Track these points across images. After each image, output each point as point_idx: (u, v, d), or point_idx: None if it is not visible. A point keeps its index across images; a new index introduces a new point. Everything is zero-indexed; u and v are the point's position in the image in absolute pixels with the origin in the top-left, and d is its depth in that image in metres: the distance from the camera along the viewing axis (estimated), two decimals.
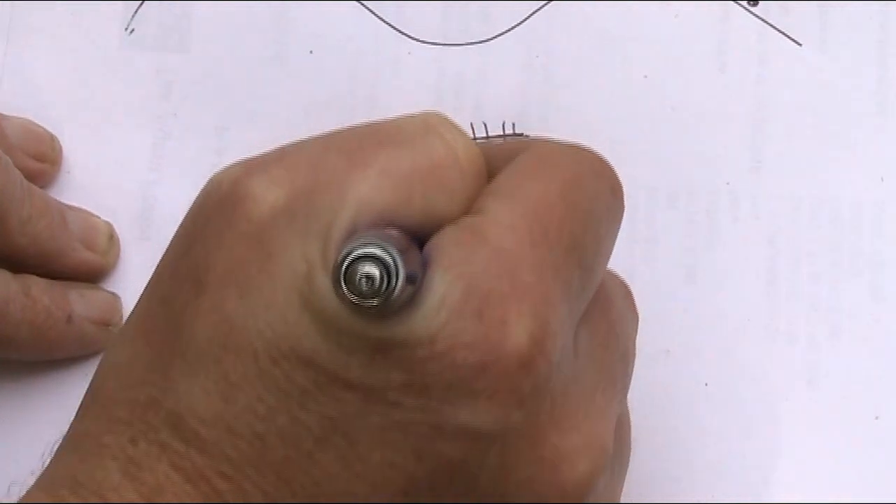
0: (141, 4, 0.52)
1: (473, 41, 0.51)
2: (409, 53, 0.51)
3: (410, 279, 0.33)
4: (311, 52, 0.51)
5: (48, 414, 0.49)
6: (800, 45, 0.51)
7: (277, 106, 0.51)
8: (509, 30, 0.51)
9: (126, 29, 0.52)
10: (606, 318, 0.39)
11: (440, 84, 0.51)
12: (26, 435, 0.49)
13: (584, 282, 0.37)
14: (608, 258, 0.39)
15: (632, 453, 0.41)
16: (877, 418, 0.48)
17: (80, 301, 0.48)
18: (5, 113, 0.50)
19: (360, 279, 0.32)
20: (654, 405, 0.48)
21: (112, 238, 0.50)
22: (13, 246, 0.47)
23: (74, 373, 0.49)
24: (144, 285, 0.50)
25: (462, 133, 0.38)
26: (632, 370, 0.40)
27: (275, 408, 0.34)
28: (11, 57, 0.52)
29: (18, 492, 0.37)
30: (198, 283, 0.36)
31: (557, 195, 0.37)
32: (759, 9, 0.51)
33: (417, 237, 0.36)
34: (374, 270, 0.32)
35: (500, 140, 0.40)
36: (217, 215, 0.36)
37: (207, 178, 0.50)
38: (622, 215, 0.39)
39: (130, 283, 0.50)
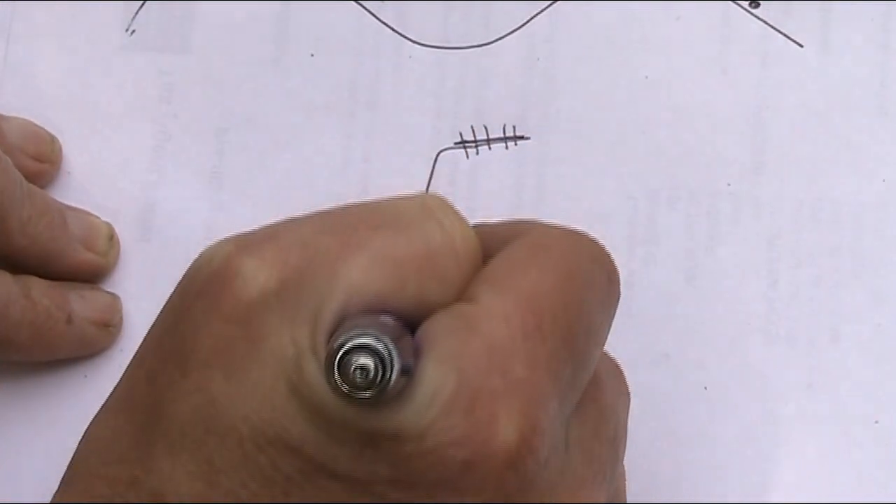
0: (142, 5, 0.52)
1: (475, 44, 0.51)
2: (409, 56, 0.51)
3: (405, 370, 0.32)
4: (311, 54, 0.51)
5: (48, 415, 0.49)
6: (801, 46, 0.51)
7: (278, 108, 0.51)
8: (510, 32, 0.51)
9: (127, 30, 0.52)
10: (597, 404, 0.38)
11: (441, 87, 0.51)
12: (26, 436, 0.49)
13: (576, 373, 0.36)
14: (602, 347, 0.38)
15: (631, 455, 0.41)
16: (876, 422, 0.47)
17: (79, 302, 0.48)
18: (6, 113, 0.50)
19: (354, 370, 0.32)
20: (653, 408, 0.48)
21: (112, 239, 0.50)
22: (13, 247, 0.47)
23: (74, 374, 0.49)
24: (141, 286, 0.50)
25: (460, 219, 0.37)
26: (623, 452, 0.40)
27: (258, 494, 0.34)
28: (12, 57, 0.52)
29: None
30: (183, 362, 0.35)
31: (552, 285, 0.36)
32: (760, 10, 0.51)
33: (408, 322, 0.35)
34: (368, 362, 0.32)
35: (498, 221, 0.40)
36: (205, 294, 0.35)
37: (207, 181, 0.50)
38: (618, 302, 0.39)
39: (130, 283, 0.50)
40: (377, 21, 0.52)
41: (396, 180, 0.50)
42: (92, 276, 0.49)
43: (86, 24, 0.52)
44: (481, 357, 0.34)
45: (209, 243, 0.36)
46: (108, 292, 0.50)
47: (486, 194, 0.50)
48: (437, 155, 0.51)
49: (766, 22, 0.51)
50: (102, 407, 0.37)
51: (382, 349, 0.32)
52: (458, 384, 0.34)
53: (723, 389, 0.48)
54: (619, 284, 0.39)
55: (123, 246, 0.50)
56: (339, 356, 0.32)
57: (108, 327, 0.49)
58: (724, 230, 0.49)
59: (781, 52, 0.51)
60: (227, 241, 0.36)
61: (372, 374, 0.32)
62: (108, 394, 0.48)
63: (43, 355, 0.48)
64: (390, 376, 0.32)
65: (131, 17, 0.52)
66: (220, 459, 0.34)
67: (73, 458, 0.37)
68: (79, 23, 0.52)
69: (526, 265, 0.37)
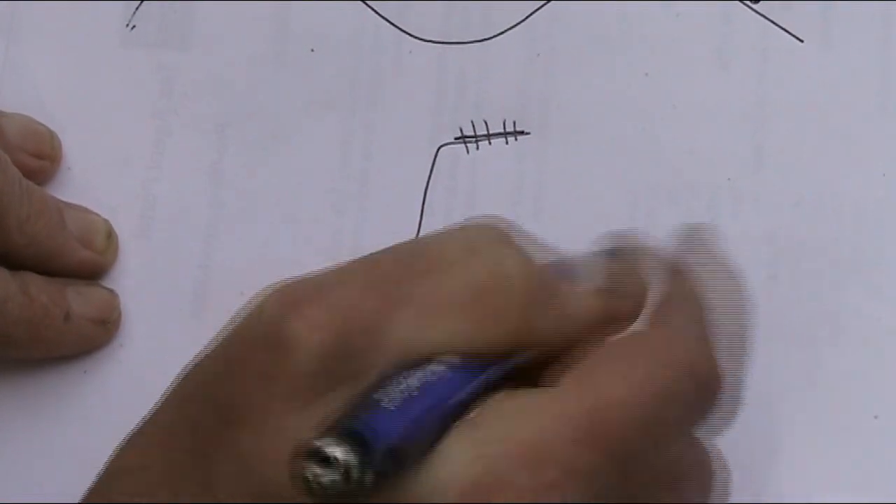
0: (141, 3, 0.52)
1: (475, 39, 0.51)
2: (410, 52, 0.51)
3: (385, 468, 0.32)
4: (312, 49, 0.52)
5: (48, 411, 0.49)
6: (802, 41, 0.51)
7: (278, 103, 0.51)
8: (510, 28, 0.51)
9: (127, 25, 0.52)
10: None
11: (441, 82, 0.51)
12: (26, 432, 0.49)
13: (627, 481, 0.35)
14: (674, 452, 0.37)
15: None
16: (876, 417, 0.47)
17: (77, 299, 0.48)
18: (6, 110, 0.50)
19: (312, 483, 0.32)
20: None
21: (110, 236, 0.50)
22: (11, 245, 0.47)
23: (72, 371, 0.49)
24: (141, 282, 0.50)
25: (510, 247, 0.37)
26: None
27: None
28: (13, 55, 0.52)
29: None
30: (224, 417, 0.35)
31: (624, 397, 0.35)
32: (760, 6, 0.51)
33: (480, 357, 0.35)
34: (332, 480, 0.32)
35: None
36: (254, 353, 0.36)
37: (208, 177, 0.50)
38: (705, 412, 0.38)
39: (129, 280, 0.50)
40: (377, 16, 0.52)
41: (397, 175, 0.50)
42: (90, 273, 0.49)
43: (86, 21, 0.52)
44: (520, 450, 0.34)
45: (261, 290, 0.37)
46: (106, 288, 0.49)
47: (486, 189, 0.50)
48: (438, 150, 0.51)
49: (766, 17, 0.51)
50: (134, 434, 0.38)
51: (350, 468, 0.31)
52: (480, 476, 0.33)
53: None
54: (712, 396, 0.38)
55: (123, 242, 0.50)
56: (301, 463, 0.32)
57: (106, 324, 0.49)
58: (724, 225, 0.49)
59: (782, 48, 0.50)
60: (280, 294, 0.36)
61: (330, 486, 0.31)
62: (107, 389, 0.49)
63: (41, 352, 0.48)
64: (360, 486, 0.31)
65: (131, 14, 0.52)
66: None
67: (98, 477, 0.38)
68: (79, 20, 0.52)
69: (610, 366, 0.36)
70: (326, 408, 0.34)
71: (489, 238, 0.37)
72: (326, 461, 0.32)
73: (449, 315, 0.36)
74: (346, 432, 0.32)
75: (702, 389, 0.37)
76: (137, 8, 0.52)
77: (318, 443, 0.32)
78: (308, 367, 0.35)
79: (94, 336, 0.49)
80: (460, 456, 0.34)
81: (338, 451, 0.31)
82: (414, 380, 0.34)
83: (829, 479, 0.47)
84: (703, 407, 0.38)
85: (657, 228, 0.49)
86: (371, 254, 0.38)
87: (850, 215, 0.49)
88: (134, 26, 0.52)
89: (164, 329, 0.49)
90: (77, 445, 0.49)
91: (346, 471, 0.31)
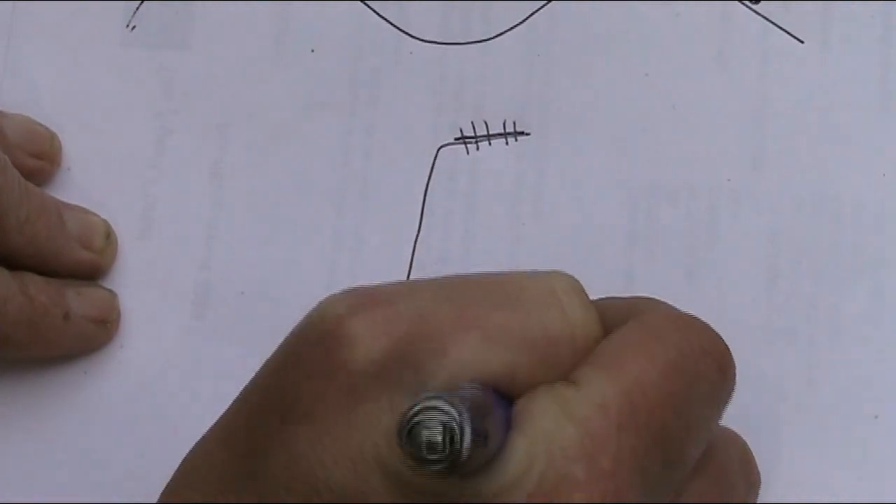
0: (142, 3, 0.52)
1: (475, 40, 0.51)
2: (410, 52, 0.51)
3: (477, 437, 0.32)
4: (312, 50, 0.52)
5: (48, 411, 0.49)
6: (802, 42, 0.51)
7: (278, 104, 0.51)
8: (510, 29, 0.51)
9: (127, 26, 0.52)
10: (702, 496, 0.38)
11: (441, 83, 0.51)
12: (26, 433, 0.49)
13: (669, 470, 0.36)
14: (703, 443, 0.38)
15: None
16: (876, 418, 0.47)
17: (77, 299, 0.48)
18: (6, 110, 0.50)
19: (422, 443, 0.31)
20: None
21: (109, 236, 0.50)
22: (10, 246, 0.47)
23: (72, 371, 0.49)
24: (142, 282, 0.50)
25: (585, 306, 0.37)
26: None
27: None
28: (13, 54, 0.52)
29: None
30: (282, 414, 0.36)
31: (655, 377, 0.36)
32: (760, 7, 0.51)
33: (510, 396, 0.36)
34: (436, 436, 0.31)
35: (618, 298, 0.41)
36: (314, 350, 0.36)
37: (208, 177, 0.51)
38: (730, 394, 0.39)
39: (130, 280, 0.50)
40: (377, 17, 0.52)
41: (397, 176, 0.50)
42: (89, 273, 0.49)
43: (86, 22, 0.52)
44: (572, 443, 0.34)
45: (326, 295, 0.37)
46: (105, 288, 0.50)
47: (486, 190, 0.50)
48: (438, 150, 0.51)
49: (766, 18, 0.51)
50: (204, 436, 0.38)
51: (452, 422, 0.31)
52: (544, 470, 0.34)
53: None
54: (732, 378, 0.39)
55: (123, 243, 0.50)
56: (409, 429, 0.31)
57: (106, 324, 0.49)
58: (724, 226, 0.49)
59: (782, 49, 0.50)
60: (345, 296, 0.37)
61: (440, 447, 0.31)
62: (108, 390, 0.49)
63: (41, 352, 0.48)
64: (460, 448, 0.31)
65: (131, 13, 0.52)
66: None
67: (169, 481, 0.38)
68: (79, 20, 0.52)
69: (633, 351, 0.37)
70: (376, 413, 0.34)
71: (568, 290, 0.37)
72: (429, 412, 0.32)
73: (513, 351, 0.36)
74: (443, 396, 0.32)
75: (718, 368, 0.38)
76: (137, 8, 0.52)
77: (425, 396, 0.32)
78: (365, 366, 0.35)
79: (93, 336, 0.49)
80: (524, 454, 0.34)
81: (440, 403, 0.31)
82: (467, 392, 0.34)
83: (829, 479, 0.47)
84: (725, 389, 0.39)
85: (657, 229, 0.49)
86: (448, 275, 0.38)
87: (849, 216, 0.49)
88: (134, 27, 0.52)
89: (164, 329, 0.50)
90: (77, 446, 0.49)
91: (450, 429, 0.31)
